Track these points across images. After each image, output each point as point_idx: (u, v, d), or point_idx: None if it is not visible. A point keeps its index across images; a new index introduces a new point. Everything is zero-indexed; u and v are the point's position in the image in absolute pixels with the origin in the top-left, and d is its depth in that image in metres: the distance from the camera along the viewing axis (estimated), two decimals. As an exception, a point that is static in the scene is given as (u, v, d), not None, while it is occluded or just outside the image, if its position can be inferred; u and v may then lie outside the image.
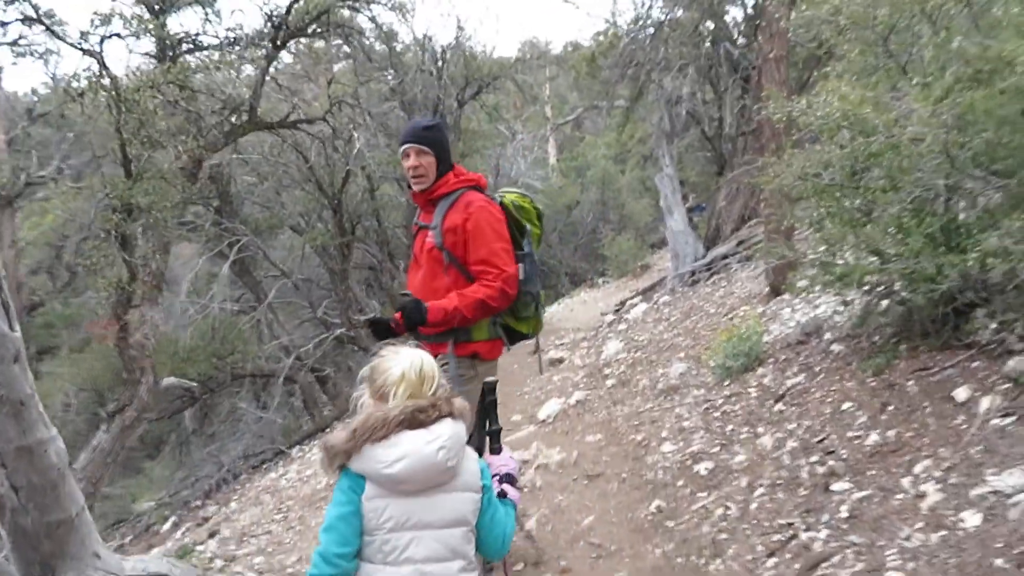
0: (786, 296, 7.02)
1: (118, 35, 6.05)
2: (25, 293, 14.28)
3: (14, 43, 8.65)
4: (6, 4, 6.16)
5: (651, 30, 10.69)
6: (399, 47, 10.77)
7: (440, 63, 10.26)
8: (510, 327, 3.34)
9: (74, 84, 5.68)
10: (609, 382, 7.24)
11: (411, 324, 3.09)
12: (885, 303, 4.62)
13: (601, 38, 10.55)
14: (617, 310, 13.66)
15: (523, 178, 19.60)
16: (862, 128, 3.99)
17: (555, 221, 27.23)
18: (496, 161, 16.90)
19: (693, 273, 11.48)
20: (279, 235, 11.44)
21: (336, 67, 12.20)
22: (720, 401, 5.17)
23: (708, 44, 11.66)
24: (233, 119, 6.78)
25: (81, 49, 6.14)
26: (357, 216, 10.07)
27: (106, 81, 5.79)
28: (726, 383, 5.46)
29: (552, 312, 20.31)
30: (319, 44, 11.84)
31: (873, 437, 3.65)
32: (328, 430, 9.75)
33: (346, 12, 9.17)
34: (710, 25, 12.15)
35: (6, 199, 14.56)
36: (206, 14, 6.71)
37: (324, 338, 9.73)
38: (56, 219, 11.53)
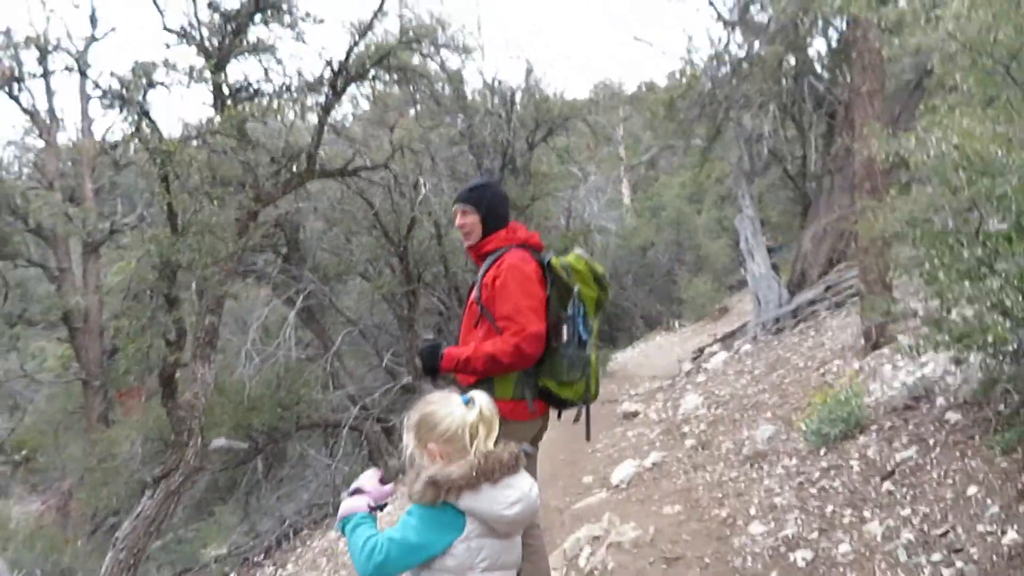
0: (885, 350, 6.38)
1: (163, 85, 6.03)
2: (107, 337, 14.60)
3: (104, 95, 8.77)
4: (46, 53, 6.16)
5: (729, 67, 10.24)
6: (468, 91, 10.64)
7: (509, 105, 10.05)
8: (551, 391, 3.11)
9: (112, 136, 5.65)
10: (688, 442, 6.68)
11: (426, 368, 3.16)
12: (1011, 368, 4.01)
13: (678, 78, 10.13)
14: (695, 358, 13.02)
15: (596, 220, 19.23)
16: (985, 168, 3.44)
17: (629, 263, 26.69)
18: (568, 203, 16.59)
19: (777, 320, 10.82)
20: (348, 281, 11.33)
21: (412, 112, 12.13)
22: (816, 474, 4.58)
23: (790, 79, 11.11)
24: (292, 167, 6.64)
25: (120, 99, 6.10)
26: (424, 263, 9.86)
27: (146, 131, 5.72)
28: (822, 452, 4.86)
29: (626, 357, 19.70)
30: (392, 90, 11.86)
31: (1011, 535, 3.06)
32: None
33: (415, 59, 9.08)
34: (792, 60, 11.63)
35: (92, 246, 14.99)
36: (266, 61, 6.66)
37: (390, 388, 9.48)
38: (134, 266, 11.72)
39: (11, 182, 13.83)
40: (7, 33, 12.09)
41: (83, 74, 13.04)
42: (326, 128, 6.85)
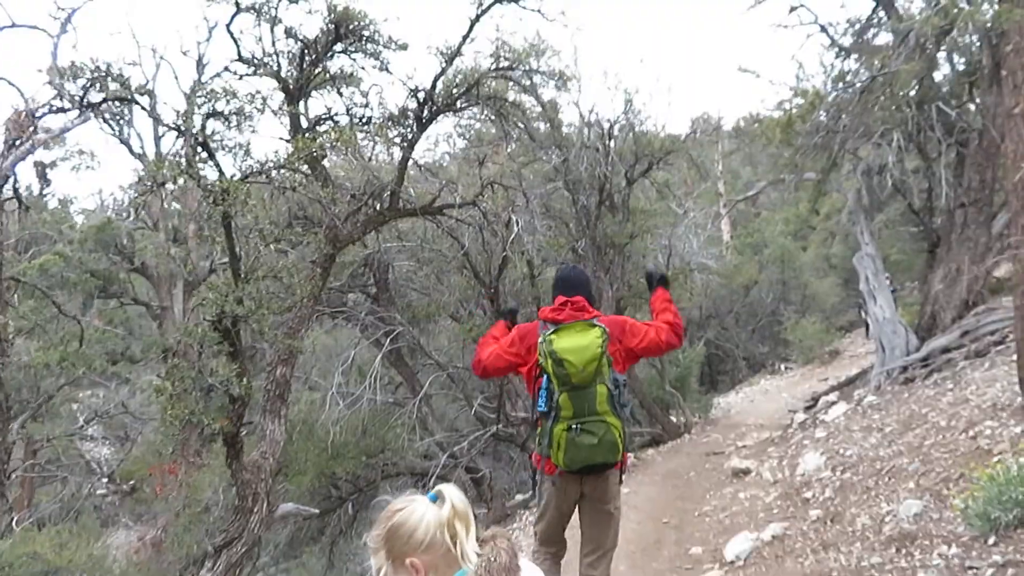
0: (1053, 412, 5.44)
1: (225, 115, 5.76)
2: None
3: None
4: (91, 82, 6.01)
5: (848, 93, 9.40)
6: (563, 124, 10.21)
7: (607, 139, 9.56)
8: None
9: (162, 171, 5.38)
10: (813, 512, 5.88)
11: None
12: None
13: (799, 101, 9.35)
14: (809, 407, 11.99)
15: (695, 257, 18.40)
16: None
17: (731, 302, 25.55)
18: (668, 240, 15.87)
19: (904, 369, 9.76)
20: (439, 322, 10.99)
21: (506, 149, 11.79)
22: (988, 570, 3.77)
23: (914, 107, 10.17)
24: (374, 205, 6.31)
25: (177, 129, 5.91)
26: (516, 304, 9.39)
27: (202, 168, 5.46)
28: (991, 541, 4.04)
29: (729, 402, 18.61)
30: (487, 127, 11.56)
31: None
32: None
33: (509, 93, 8.72)
34: (914, 85, 10.68)
35: (192, 284, 15.28)
36: (348, 94, 6.35)
37: (480, 435, 9.00)
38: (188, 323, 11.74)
39: (118, 222, 14.26)
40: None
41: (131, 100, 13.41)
42: (411, 164, 6.52)
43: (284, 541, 11.45)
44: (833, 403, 10.69)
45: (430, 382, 9.12)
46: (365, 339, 9.44)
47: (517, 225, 7.59)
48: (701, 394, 16.28)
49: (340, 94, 6.29)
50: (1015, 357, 8.16)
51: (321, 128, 6.22)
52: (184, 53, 13.36)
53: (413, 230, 9.66)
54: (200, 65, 14.29)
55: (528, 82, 8.04)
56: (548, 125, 9.43)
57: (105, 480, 19.26)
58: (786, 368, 23.08)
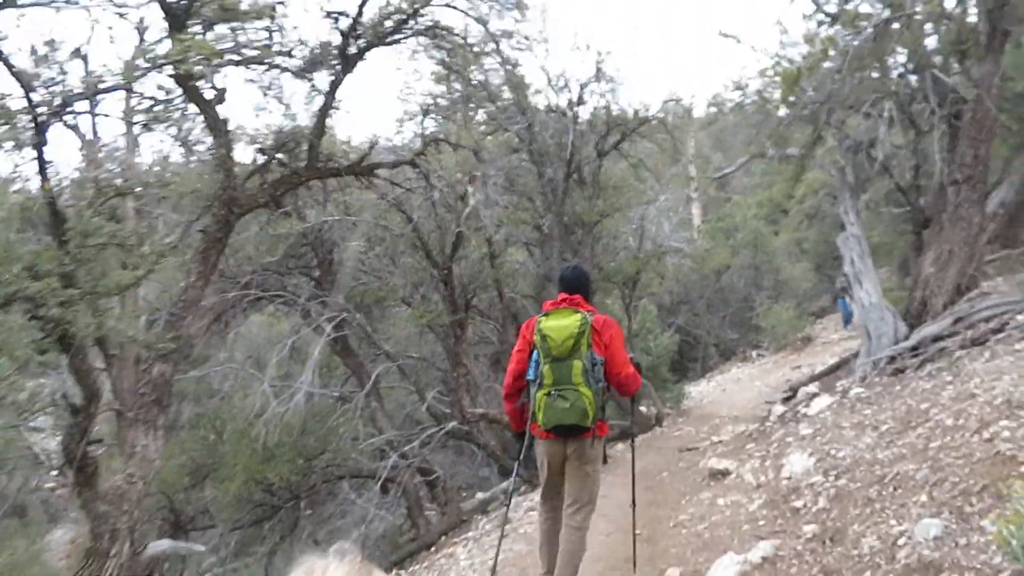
0: (1085, 412, 4.71)
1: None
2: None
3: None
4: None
5: (868, 31, 8.48)
6: (529, 90, 9.28)
7: (576, 104, 8.70)
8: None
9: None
10: (807, 528, 5.09)
11: None
12: None
13: (811, 50, 8.46)
14: (787, 398, 11.30)
15: (667, 241, 17.68)
16: None
17: (702, 287, 24.90)
18: (640, 222, 15.10)
19: (893, 359, 9.06)
20: (392, 308, 10.09)
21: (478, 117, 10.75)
22: (1046, 622, 2.99)
23: (907, 75, 9.43)
24: (290, 163, 5.34)
25: None
26: (472, 288, 8.53)
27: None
28: (1042, 579, 3.27)
29: (701, 392, 17.93)
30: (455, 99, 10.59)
31: None
32: (433, 548, 8.02)
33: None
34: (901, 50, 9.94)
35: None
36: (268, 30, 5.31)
37: (433, 433, 8.13)
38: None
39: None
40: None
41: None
42: (332, 113, 5.53)
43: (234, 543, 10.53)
44: (815, 395, 9.99)
45: (377, 374, 8.19)
46: (307, 326, 8.49)
47: (473, 197, 6.70)
48: (673, 383, 15.59)
49: (239, 21, 5.24)
50: (1016, 346, 7.53)
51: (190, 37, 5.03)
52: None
53: (364, 205, 8.71)
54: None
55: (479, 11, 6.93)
56: (509, 83, 8.52)
57: (55, 473, 18.24)
58: (758, 355, 22.51)
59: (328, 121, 5.63)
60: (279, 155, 5.30)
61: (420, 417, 9.67)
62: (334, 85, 5.58)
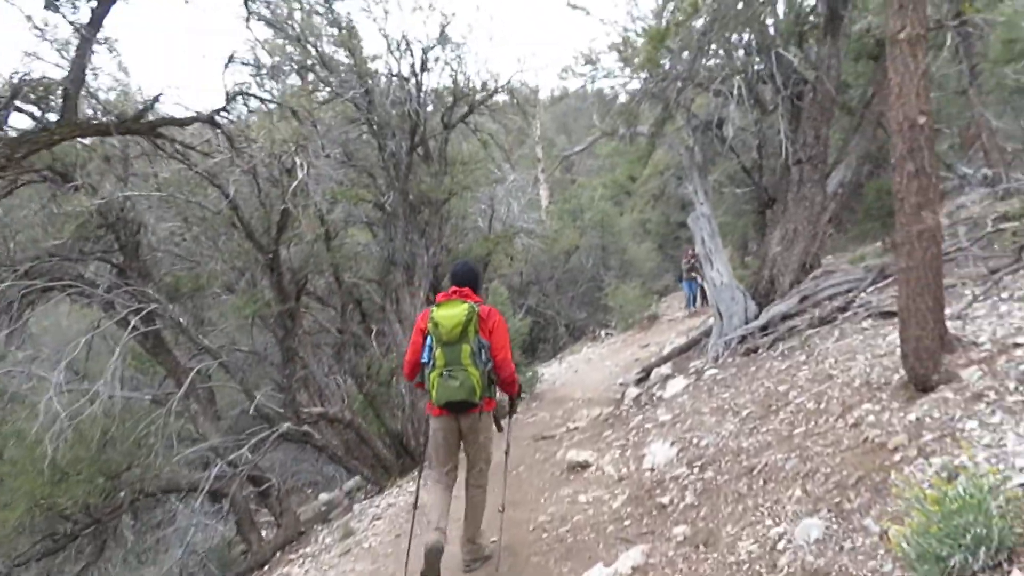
0: (949, 393, 4.57)
1: None
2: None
3: None
4: None
5: (687, 36, 8.32)
6: (369, 58, 8.41)
7: (420, 71, 7.93)
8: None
9: None
10: (677, 530, 4.70)
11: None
12: None
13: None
14: (640, 379, 11.14)
15: (516, 222, 17.32)
16: None
17: (551, 268, 24.89)
18: (490, 203, 14.59)
19: (744, 338, 9.04)
20: (216, 296, 8.94)
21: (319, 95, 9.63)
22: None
23: (753, 52, 9.37)
24: (39, 116, 4.29)
25: None
26: (304, 273, 7.61)
27: None
28: (944, 592, 2.94)
29: (553, 373, 17.71)
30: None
31: None
32: (267, 567, 7.11)
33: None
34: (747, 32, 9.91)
35: None
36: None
37: (264, 438, 7.19)
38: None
39: None
40: None
41: None
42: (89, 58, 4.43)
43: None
44: (669, 376, 9.85)
45: (195, 372, 7.11)
46: (110, 320, 7.26)
47: (302, 170, 5.81)
48: (525, 367, 15.23)
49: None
50: (863, 324, 7.60)
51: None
52: None
53: (180, 179, 7.53)
54: None
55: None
56: (342, 41, 7.60)
57: None
58: (606, 335, 22.73)
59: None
60: (23, 107, 4.20)
61: (250, 423, 8.65)
62: (96, 18, 4.50)
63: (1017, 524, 2.96)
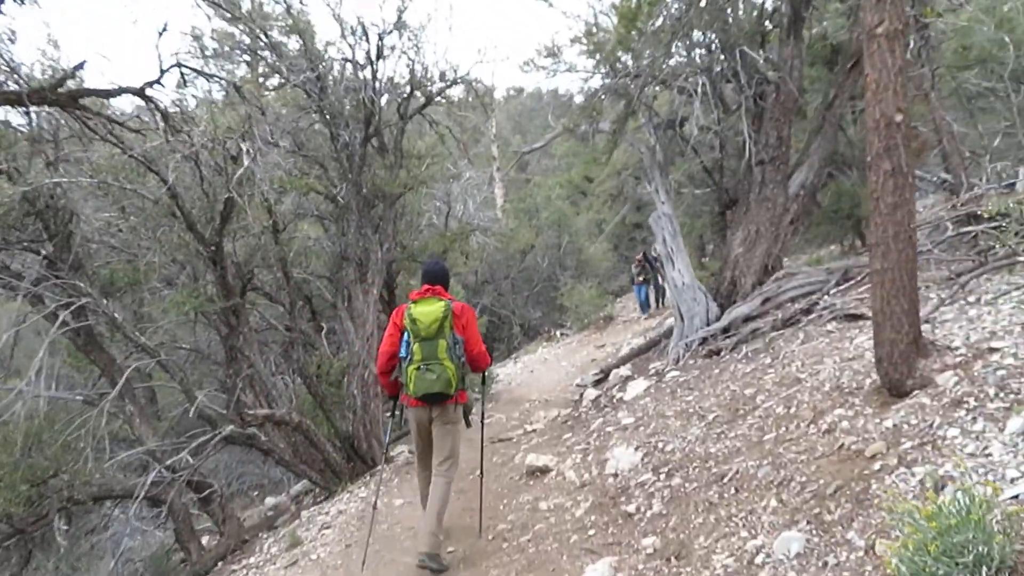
0: (924, 399, 4.42)
1: None
2: None
3: None
4: None
5: (650, 26, 8.12)
6: (321, 44, 8.02)
7: (376, 57, 7.56)
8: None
9: None
10: (647, 541, 4.46)
11: None
12: None
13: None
14: (599, 380, 10.94)
15: (472, 220, 17.02)
16: None
17: (507, 267, 24.63)
18: (447, 199, 14.26)
19: (705, 340, 8.89)
20: (155, 291, 8.43)
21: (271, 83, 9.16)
22: None
23: (717, 49, 9.23)
24: None
25: None
26: (250, 268, 7.18)
27: None
28: (942, 616, 2.74)
29: (508, 374, 17.46)
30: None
31: None
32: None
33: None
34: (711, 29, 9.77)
35: None
36: None
37: (205, 441, 6.75)
38: None
39: None
40: None
41: None
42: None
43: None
44: (629, 378, 9.66)
45: (130, 371, 6.63)
46: (37, 315, 6.73)
47: (248, 156, 5.42)
48: (481, 367, 14.90)
49: None
50: (828, 327, 7.49)
51: None
52: None
53: (118, 166, 7.01)
54: None
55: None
56: (298, 37, 7.19)
57: None
58: (562, 335, 22.56)
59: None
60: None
61: (192, 425, 8.17)
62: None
63: (1017, 541, 2.78)
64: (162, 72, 4.50)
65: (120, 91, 4.41)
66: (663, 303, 19.79)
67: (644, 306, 19.56)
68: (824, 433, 4.74)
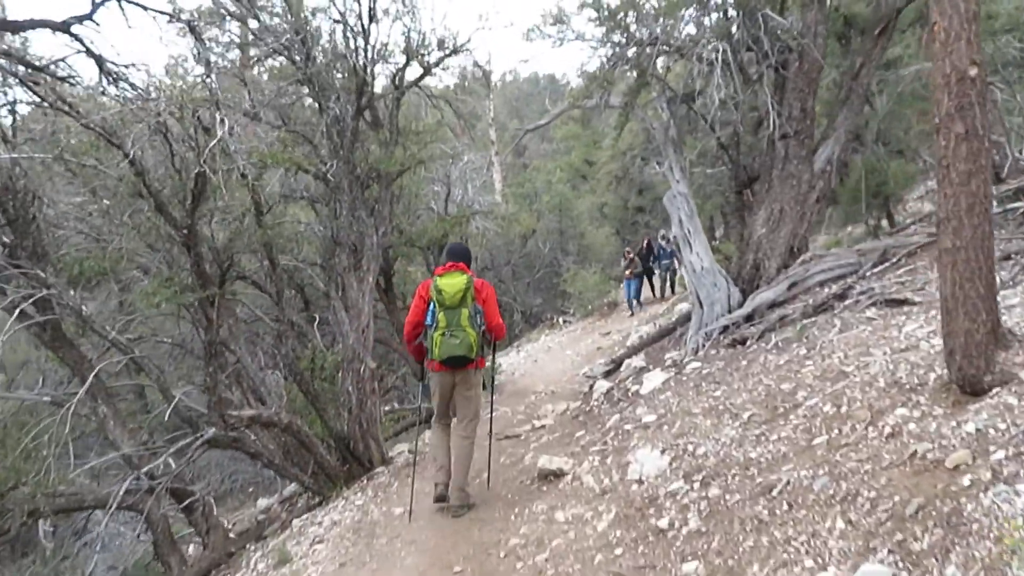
0: (1010, 400, 3.78)
1: None
2: None
3: None
4: None
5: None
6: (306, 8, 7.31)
7: (368, 20, 6.87)
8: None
9: None
10: (688, 568, 3.83)
11: None
12: None
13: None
14: (610, 371, 10.33)
15: (472, 204, 16.35)
16: None
17: (508, 253, 23.97)
18: (447, 183, 13.60)
19: (726, 328, 8.26)
20: (132, 281, 7.78)
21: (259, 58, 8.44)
22: None
23: (738, 14, 8.53)
24: None
25: None
26: (229, 253, 6.51)
27: None
28: None
29: (512, 364, 16.80)
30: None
31: None
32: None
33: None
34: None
35: None
36: None
37: (186, 445, 6.13)
38: None
39: None
40: None
41: None
42: None
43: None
44: (644, 369, 9.04)
45: (99, 369, 6.00)
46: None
47: (225, 127, 4.76)
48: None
49: None
50: (867, 314, 6.84)
51: None
52: None
53: (76, 145, 6.33)
54: None
55: None
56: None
57: None
58: (565, 322, 21.93)
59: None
60: None
61: (170, 427, 7.55)
62: None
63: None
64: (95, 5, 3.80)
65: (33, 24, 3.71)
66: (672, 290, 19.15)
67: (631, 304, 18.84)
68: (888, 438, 4.11)
